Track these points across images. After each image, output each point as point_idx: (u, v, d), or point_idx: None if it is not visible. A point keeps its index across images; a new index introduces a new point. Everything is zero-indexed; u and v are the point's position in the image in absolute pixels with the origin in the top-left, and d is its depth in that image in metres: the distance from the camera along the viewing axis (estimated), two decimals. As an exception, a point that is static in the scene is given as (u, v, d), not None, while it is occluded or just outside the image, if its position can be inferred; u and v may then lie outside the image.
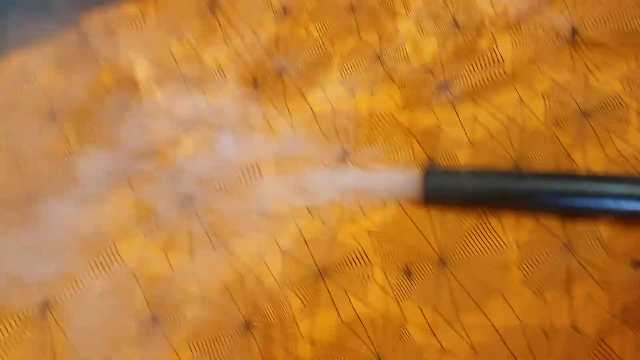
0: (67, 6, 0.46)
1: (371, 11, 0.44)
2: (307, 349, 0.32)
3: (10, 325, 0.34)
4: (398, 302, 0.33)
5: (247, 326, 0.33)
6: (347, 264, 0.35)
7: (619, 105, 0.37)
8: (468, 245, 0.34)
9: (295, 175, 0.38)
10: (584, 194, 0.32)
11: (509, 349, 0.31)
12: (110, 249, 0.36)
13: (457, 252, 0.34)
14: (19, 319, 0.34)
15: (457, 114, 0.39)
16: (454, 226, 0.35)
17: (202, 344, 0.33)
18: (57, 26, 0.45)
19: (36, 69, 0.44)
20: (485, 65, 0.40)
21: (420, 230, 0.35)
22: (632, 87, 0.38)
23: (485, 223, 0.35)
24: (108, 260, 0.35)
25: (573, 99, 0.38)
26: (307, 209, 0.36)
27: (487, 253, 0.34)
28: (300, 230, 0.36)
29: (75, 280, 0.35)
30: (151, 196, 0.37)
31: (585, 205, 0.32)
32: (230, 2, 0.45)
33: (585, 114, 0.37)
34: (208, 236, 0.36)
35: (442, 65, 0.41)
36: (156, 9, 0.45)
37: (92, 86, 0.43)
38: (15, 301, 0.35)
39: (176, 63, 0.43)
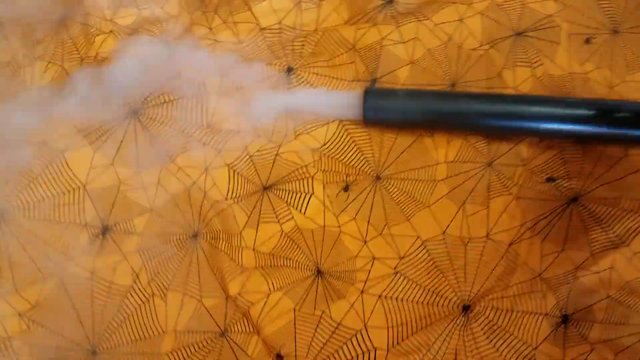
0: None
1: None
2: (251, 258, 0.35)
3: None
4: (335, 215, 0.36)
5: (195, 235, 0.36)
6: (290, 180, 0.37)
7: (551, 26, 0.39)
8: (402, 163, 0.37)
9: (241, 94, 0.38)
10: (508, 116, 0.35)
11: (430, 255, 0.35)
12: (60, 160, 0.37)
13: (392, 169, 0.37)
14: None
15: (399, 31, 0.40)
16: (390, 144, 0.37)
17: (150, 251, 0.35)
18: None
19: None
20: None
21: (359, 148, 0.37)
22: (565, 7, 0.39)
23: (419, 142, 0.37)
24: (58, 171, 0.36)
25: (509, 18, 0.39)
26: (252, 126, 0.38)
27: (419, 170, 0.37)
28: (245, 145, 0.38)
29: (28, 190, 0.36)
30: (97, 107, 0.38)
31: (508, 125, 0.35)
32: None
33: (518, 34, 0.39)
34: (154, 149, 0.37)
35: (387, -22, 0.41)
36: None
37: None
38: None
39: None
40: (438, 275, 0.35)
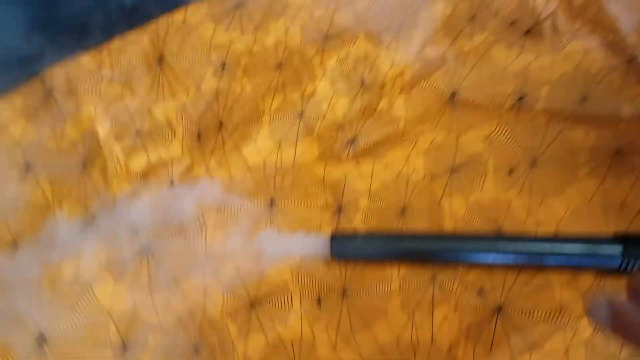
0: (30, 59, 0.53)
1: (294, 71, 0.53)
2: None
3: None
4: (310, 326, 0.44)
5: (197, 349, 0.44)
6: (273, 295, 0.45)
7: (479, 161, 0.48)
8: (364, 281, 0.45)
9: (233, 227, 0.48)
10: (446, 251, 0.43)
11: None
12: (88, 292, 0.45)
13: (356, 285, 0.45)
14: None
15: (359, 167, 0.50)
16: (355, 269, 0.46)
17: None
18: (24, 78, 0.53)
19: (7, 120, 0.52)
20: (384, 124, 0.51)
21: (329, 270, 0.46)
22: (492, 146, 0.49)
23: (377, 265, 0.46)
24: (87, 301, 0.45)
25: (446, 156, 0.49)
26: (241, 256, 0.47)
27: (377, 285, 0.45)
28: (237, 270, 0.46)
29: (63, 318, 0.45)
30: (117, 247, 0.47)
31: (448, 258, 0.44)
32: (175, 56, 0.54)
33: (453, 170, 0.48)
34: (164, 277, 0.46)
35: (350, 122, 0.51)
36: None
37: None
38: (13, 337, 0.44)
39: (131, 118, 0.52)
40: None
